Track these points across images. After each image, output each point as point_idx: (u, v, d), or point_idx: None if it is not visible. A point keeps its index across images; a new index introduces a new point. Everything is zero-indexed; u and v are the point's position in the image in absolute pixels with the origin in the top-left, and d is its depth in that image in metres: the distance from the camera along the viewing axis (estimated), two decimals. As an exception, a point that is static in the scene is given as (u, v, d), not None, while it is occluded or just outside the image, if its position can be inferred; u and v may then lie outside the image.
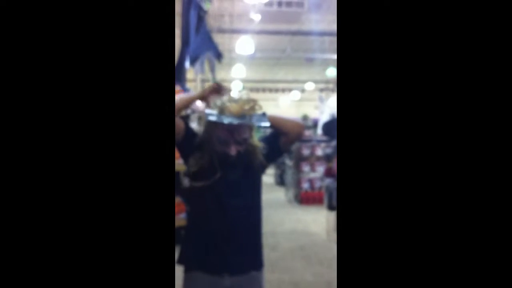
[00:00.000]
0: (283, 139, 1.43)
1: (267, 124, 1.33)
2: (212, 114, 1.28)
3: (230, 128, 1.30)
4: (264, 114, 1.33)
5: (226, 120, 1.26)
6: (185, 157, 1.42)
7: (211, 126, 1.33)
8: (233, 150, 1.32)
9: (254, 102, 1.32)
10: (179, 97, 1.36)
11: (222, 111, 1.29)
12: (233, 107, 1.28)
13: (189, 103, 1.37)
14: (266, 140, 1.46)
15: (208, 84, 1.43)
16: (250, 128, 1.36)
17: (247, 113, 1.29)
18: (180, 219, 4.07)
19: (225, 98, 1.32)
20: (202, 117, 1.38)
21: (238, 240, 1.37)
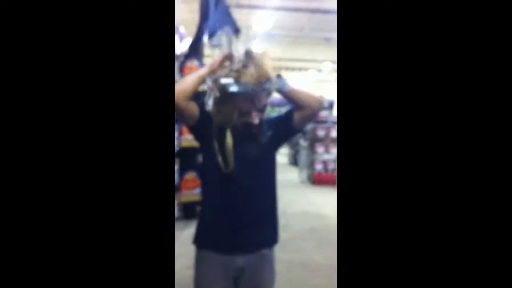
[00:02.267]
0: (298, 116, 1.38)
1: (287, 86, 1.30)
2: (231, 84, 1.22)
3: (250, 96, 1.25)
4: (279, 76, 1.29)
5: (248, 89, 1.21)
6: (201, 141, 1.37)
7: (229, 98, 1.25)
8: (255, 119, 1.27)
9: (267, 66, 1.27)
10: (186, 79, 1.28)
11: (238, 78, 1.23)
12: (250, 73, 1.23)
13: (200, 81, 1.28)
14: (280, 117, 1.42)
15: (217, 55, 1.34)
16: (268, 93, 1.31)
17: (264, 78, 1.24)
18: (195, 194, 4.12)
19: (238, 65, 1.26)
20: (218, 89, 1.28)
21: (252, 219, 1.34)
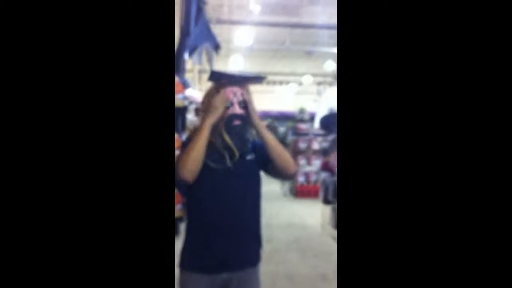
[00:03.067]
0: (272, 170, 1.41)
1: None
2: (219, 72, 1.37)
3: (232, 90, 1.35)
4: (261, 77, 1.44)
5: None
6: None
7: (215, 91, 1.36)
8: (238, 110, 1.35)
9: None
10: (190, 153, 1.27)
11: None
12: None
13: (204, 147, 1.30)
14: (261, 155, 1.42)
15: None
16: (248, 92, 1.39)
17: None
18: (177, 210, 4.06)
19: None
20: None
21: (238, 236, 1.36)
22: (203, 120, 1.33)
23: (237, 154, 1.33)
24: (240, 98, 1.37)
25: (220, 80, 1.37)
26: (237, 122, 1.36)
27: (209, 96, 1.38)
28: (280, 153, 1.36)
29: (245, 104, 1.37)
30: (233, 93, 1.36)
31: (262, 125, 1.37)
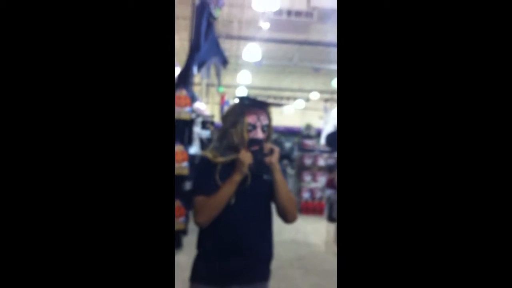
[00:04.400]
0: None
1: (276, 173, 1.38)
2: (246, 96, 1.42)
3: (256, 112, 1.39)
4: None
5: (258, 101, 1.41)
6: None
7: (240, 113, 1.38)
8: (260, 134, 1.37)
9: None
10: (215, 203, 1.33)
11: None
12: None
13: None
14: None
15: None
16: (269, 117, 1.42)
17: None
18: (180, 222, 4.06)
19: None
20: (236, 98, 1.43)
21: (249, 255, 1.37)
22: (232, 175, 1.33)
23: (249, 179, 1.35)
24: (263, 122, 1.40)
25: (243, 101, 1.41)
26: (255, 147, 1.36)
27: (232, 113, 1.40)
28: (286, 202, 1.40)
29: (267, 128, 1.40)
30: (256, 117, 1.39)
31: (277, 168, 1.37)
